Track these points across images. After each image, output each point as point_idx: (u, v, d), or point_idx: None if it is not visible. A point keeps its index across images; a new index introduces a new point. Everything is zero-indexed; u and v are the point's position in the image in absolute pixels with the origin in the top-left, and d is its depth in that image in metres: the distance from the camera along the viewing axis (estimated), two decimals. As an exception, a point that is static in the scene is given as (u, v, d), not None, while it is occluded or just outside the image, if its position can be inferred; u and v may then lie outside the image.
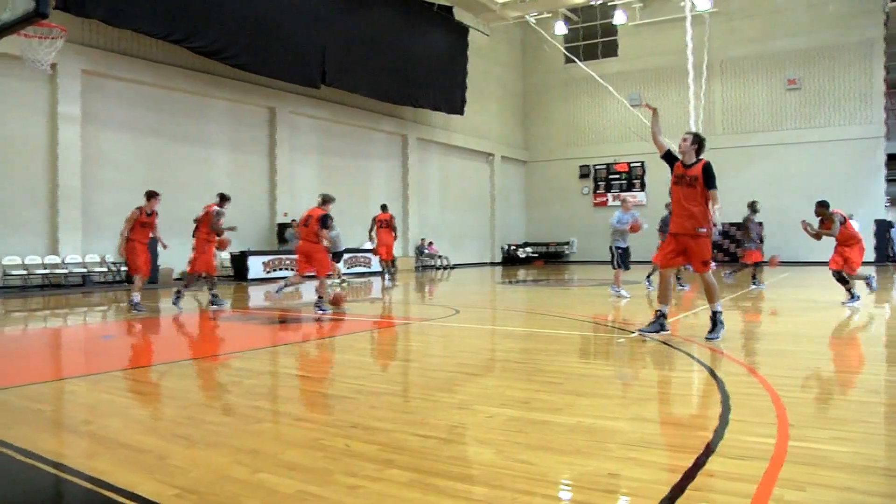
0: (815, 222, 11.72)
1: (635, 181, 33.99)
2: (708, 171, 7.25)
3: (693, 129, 27.86)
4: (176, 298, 12.04)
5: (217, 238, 12.13)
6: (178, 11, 18.07)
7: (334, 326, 9.34)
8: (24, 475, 3.33)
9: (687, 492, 2.91)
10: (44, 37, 12.03)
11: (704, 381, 5.34)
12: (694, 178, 7.26)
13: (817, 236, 11.51)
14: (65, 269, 17.07)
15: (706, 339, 7.14)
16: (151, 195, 11.69)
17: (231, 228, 12.22)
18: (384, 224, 17.69)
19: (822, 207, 11.38)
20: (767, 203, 30.39)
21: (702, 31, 30.04)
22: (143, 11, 17.15)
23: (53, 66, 13.77)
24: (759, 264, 15.81)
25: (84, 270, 17.42)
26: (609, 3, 30.71)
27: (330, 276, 12.62)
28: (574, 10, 33.53)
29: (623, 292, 13.05)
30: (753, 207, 15.17)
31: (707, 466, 3.22)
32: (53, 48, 12.25)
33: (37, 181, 17.00)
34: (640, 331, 7.72)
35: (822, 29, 29.74)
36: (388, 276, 18.15)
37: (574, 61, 32.46)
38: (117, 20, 16.88)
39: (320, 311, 10.55)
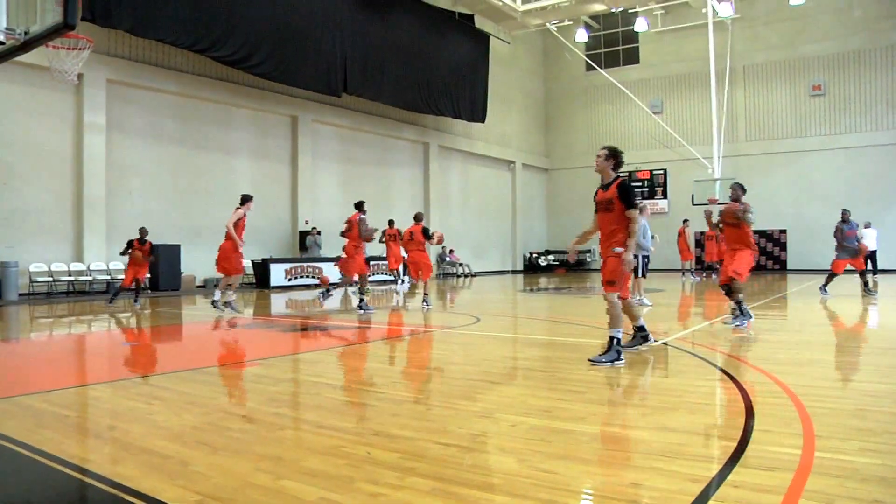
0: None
1: (657, 189, 33.79)
2: (623, 190, 6.53)
3: (716, 135, 27.72)
4: (324, 295, 14.15)
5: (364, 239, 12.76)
6: (203, 22, 18.31)
7: (358, 334, 9.36)
8: (49, 479, 3.37)
9: (711, 502, 2.87)
10: (71, 48, 12.20)
11: (728, 391, 5.28)
12: (610, 200, 6.56)
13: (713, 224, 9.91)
14: (89, 275, 17.29)
15: (589, 360, 6.49)
16: (248, 199, 12.42)
17: (374, 231, 12.81)
18: (399, 237, 17.52)
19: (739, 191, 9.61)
20: (791, 210, 30.17)
21: (724, 37, 29.85)
22: (167, 22, 17.39)
23: (79, 76, 13.99)
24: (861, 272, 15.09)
25: (108, 277, 17.64)
26: (630, 11, 30.63)
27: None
28: (595, 17, 33.49)
29: (645, 300, 12.96)
30: (844, 217, 14.89)
31: (731, 477, 3.17)
32: (80, 59, 12.41)
33: (62, 189, 17.26)
34: (625, 346, 6.91)
35: (848, 34, 29.41)
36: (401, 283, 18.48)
37: (595, 68, 32.40)
38: (143, 31, 17.12)
39: (427, 307, 12.70)
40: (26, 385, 5.70)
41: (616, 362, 6.35)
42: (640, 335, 7.16)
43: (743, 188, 9.58)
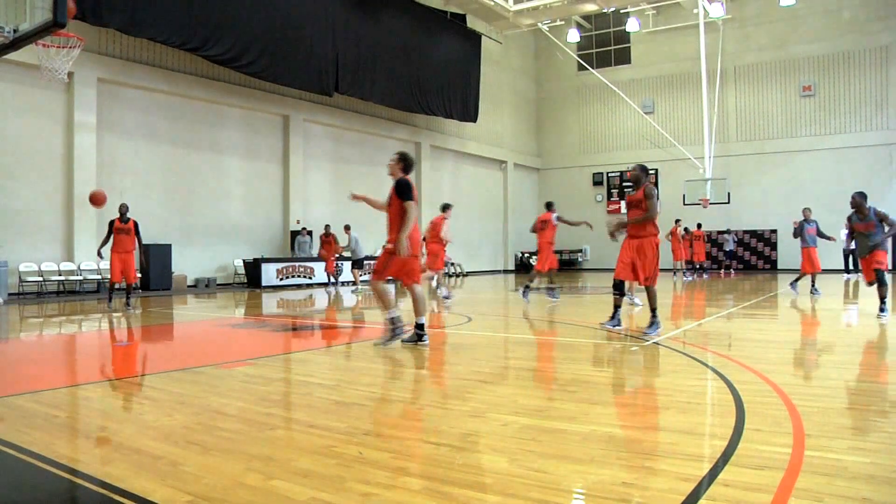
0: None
1: (649, 188, 33.85)
2: (399, 186, 7.48)
3: (707, 136, 27.84)
4: (524, 293, 14.60)
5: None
6: (194, 20, 18.25)
7: (348, 334, 9.35)
8: (39, 480, 3.35)
9: (701, 501, 2.88)
10: (61, 46, 12.15)
11: (718, 390, 5.30)
12: (391, 196, 7.55)
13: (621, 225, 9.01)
14: (80, 275, 17.21)
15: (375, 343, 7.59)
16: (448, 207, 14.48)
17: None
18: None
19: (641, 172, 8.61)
20: (782, 210, 30.29)
21: (715, 37, 29.99)
22: (158, 20, 17.32)
23: (70, 74, 13.96)
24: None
25: (99, 277, 17.56)
26: (622, 11, 30.71)
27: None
28: (587, 17, 33.56)
29: (636, 300, 12.99)
30: (805, 216, 15.27)
31: (722, 476, 3.19)
32: (70, 58, 12.37)
33: (53, 189, 17.18)
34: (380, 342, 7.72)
35: (838, 35, 29.59)
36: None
37: (587, 69, 32.47)
38: (133, 29, 17.06)
39: (554, 300, 13.93)
40: (16, 385, 5.66)
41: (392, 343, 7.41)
42: (392, 328, 7.60)
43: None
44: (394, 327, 7.52)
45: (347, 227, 19.72)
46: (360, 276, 19.50)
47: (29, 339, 9.53)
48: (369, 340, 8.61)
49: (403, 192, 7.33)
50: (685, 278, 23.60)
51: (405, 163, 7.71)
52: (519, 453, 3.61)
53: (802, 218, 15.63)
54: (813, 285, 15.92)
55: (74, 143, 17.36)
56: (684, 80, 32.49)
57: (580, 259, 35.09)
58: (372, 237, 23.30)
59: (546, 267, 14.32)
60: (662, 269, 17.79)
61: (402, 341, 7.53)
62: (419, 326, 7.55)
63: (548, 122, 37.45)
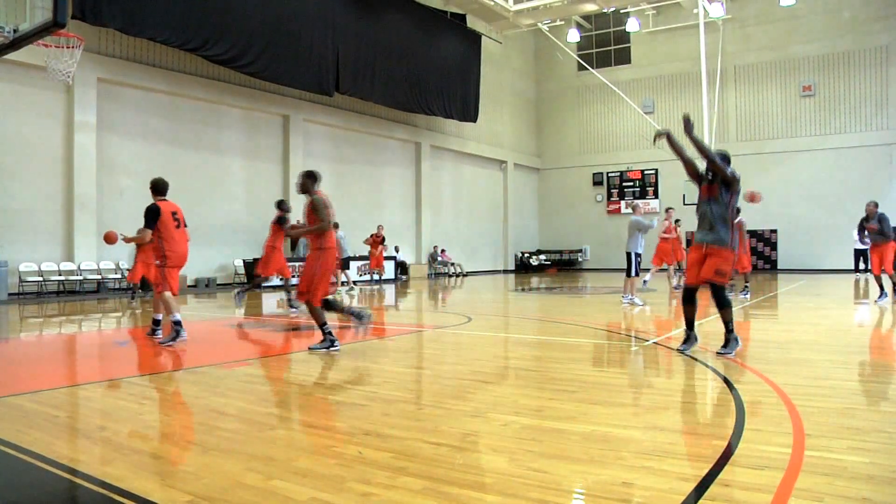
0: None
1: (649, 188, 33.90)
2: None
3: (707, 135, 27.84)
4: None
5: None
6: (194, 20, 18.24)
7: (348, 334, 9.34)
8: (39, 480, 3.35)
9: (702, 501, 2.88)
10: (61, 46, 12.14)
11: (719, 390, 5.30)
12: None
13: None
14: (80, 275, 17.20)
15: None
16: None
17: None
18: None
19: None
20: (782, 210, 30.28)
21: (715, 37, 29.98)
22: (158, 20, 17.30)
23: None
24: None
25: (99, 277, 17.56)
26: (622, 11, 30.70)
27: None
28: (587, 17, 33.54)
29: (636, 300, 13.00)
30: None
31: (722, 476, 3.19)
32: (74, 58, 12.36)
33: (53, 189, 17.17)
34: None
35: (838, 35, 29.58)
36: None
37: (587, 69, 32.45)
38: (133, 29, 17.04)
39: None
40: (16, 385, 5.66)
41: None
42: (174, 329, 7.97)
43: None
44: (177, 328, 8.02)
45: (336, 225, 19.62)
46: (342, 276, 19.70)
47: (29, 339, 9.53)
48: (370, 340, 8.61)
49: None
50: (685, 278, 23.56)
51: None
52: (519, 453, 3.61)
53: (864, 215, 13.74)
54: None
55: (74, 143, 17.34)
56: (684, 80, 32.48)
57: (580, 259, 35.07)
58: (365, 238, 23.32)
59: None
60: (661, 270, 17.83)
61: (310, 348, 7.55)
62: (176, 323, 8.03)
63: (548, 122, 37.44)
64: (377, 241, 22.49)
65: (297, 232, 8.40)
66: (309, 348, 7.56)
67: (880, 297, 13.18)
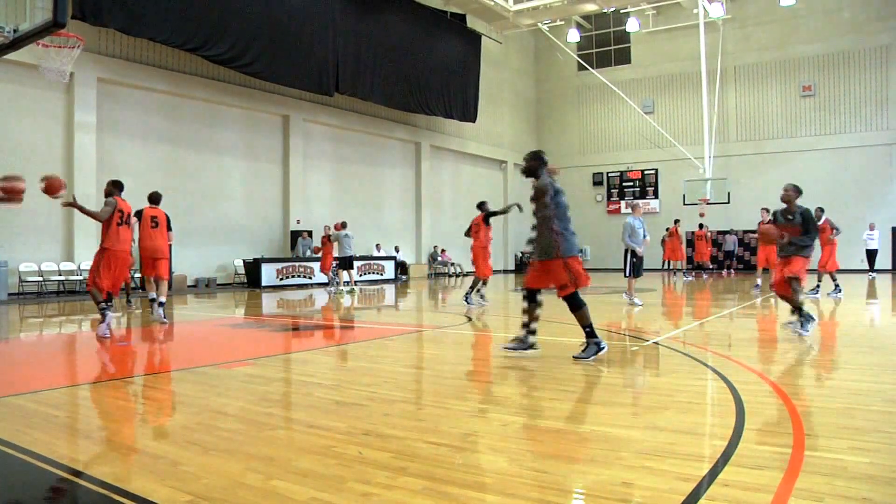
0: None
1: (649, 188, 33.90)
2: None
3: (707, 135, 27.85)
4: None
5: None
6: (194, 21, 18.25)
7: (348, 334, 9.35)
8: (39, 480, 3.35)
9: (701, 501, 2.88)
10: (61, 46, 12.15)
11: (718, 390, 5.30)
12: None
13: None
14: (80, 275, 17.20)
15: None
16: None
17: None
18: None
19: None
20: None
21: (715, 37, 29.98)
22: (158, 21, 17.32)
23: (70, 74, 13.97)
24: None
25: (99, 277, 17.53)
26: (622, 11, 30.70)
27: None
28: (587, 17, 33.55)
29: (636, 300, 12.99)
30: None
31: (722, 476, 3.19)
32: (71, 58, 12.36)
33: (53, 189, 17.14)
34: None
35: (837, 35, 29.58)
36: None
37: (587, 68, 32.47)
38: (134, 29, 17.05)
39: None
40: (16, 385, 5.66)
41: None
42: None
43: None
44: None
45: (343, 224, 19.34)
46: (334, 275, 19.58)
47: (29, 340, 9.53)
48: (369, 340, 8.61)
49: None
50: (685, 278, 23.60)
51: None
52: (519, 453, 3.61)
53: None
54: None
55: (74, 143, 17.35)
56: (684, 80, 32.48)
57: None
58: (365, 238, 23.33)
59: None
60: (661, 269, 17.82)
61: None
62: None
63: (547, 122, 37.44)
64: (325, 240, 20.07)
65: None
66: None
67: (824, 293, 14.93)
